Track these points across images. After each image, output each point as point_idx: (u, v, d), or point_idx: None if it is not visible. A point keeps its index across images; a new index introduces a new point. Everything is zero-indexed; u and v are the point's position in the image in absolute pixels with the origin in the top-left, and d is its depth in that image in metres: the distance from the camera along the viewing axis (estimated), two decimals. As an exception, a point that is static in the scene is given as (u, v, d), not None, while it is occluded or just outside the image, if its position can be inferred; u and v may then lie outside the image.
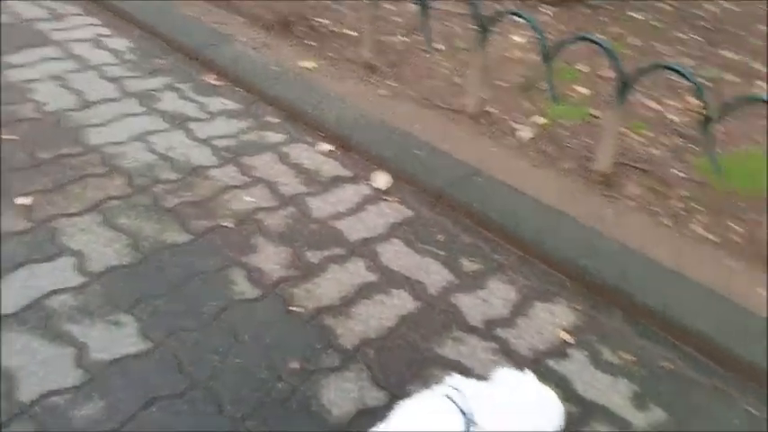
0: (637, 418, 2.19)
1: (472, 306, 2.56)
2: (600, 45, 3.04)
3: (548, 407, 1.77)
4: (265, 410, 2.06)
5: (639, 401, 2.25)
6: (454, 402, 1.67)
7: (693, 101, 3.90)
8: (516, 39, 4.74)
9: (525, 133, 3.59)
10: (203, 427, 1.99)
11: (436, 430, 1.64)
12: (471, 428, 1.64)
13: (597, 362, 2.38)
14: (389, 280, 2.63)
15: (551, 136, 3.58)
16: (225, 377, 2.14)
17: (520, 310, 2.57)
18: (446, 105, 3.81)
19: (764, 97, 2.68)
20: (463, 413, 1.66)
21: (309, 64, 4.15)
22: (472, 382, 1.79)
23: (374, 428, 1.70)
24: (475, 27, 3.48)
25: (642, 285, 2.64)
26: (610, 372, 2.35)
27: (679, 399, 2.28)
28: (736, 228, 3.02)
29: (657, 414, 2.21)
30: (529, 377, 1.80)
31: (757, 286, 2.70)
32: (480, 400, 1.70)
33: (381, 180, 3.21)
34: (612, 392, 2.27)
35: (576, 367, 2.35)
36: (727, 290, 2.66)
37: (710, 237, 2.96)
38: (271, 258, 2.65)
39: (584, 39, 3.17)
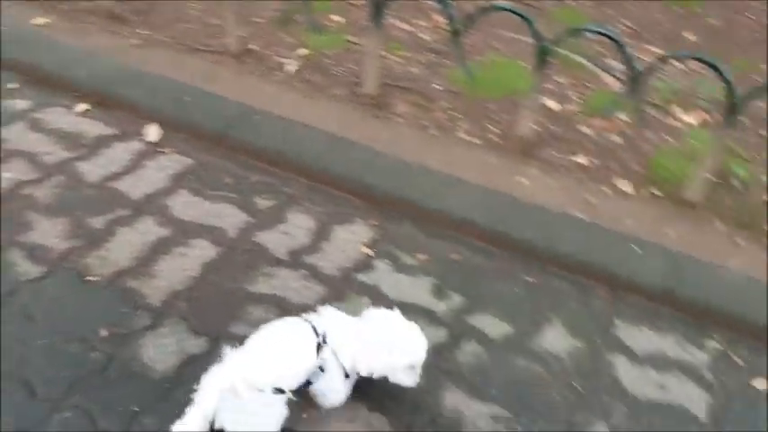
0: (439, 306, 2.43)
1: (274, 241, 2.59)
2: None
3: (412, 340, 1.94)
4: (84, 384, 1.95)
5: (439, 292, 2.49)
6: (311, 324, 1.87)
7: (440, 18, 4.20)
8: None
9: (291, 66, 3.62)
10: (21, 416, 1.83)
11: (289, 344, 1.83)
12: (324, 346, 1.85)
13: (398, 267, 2.58)
14: (184, 231, 2.56)
15: (317, 66, 3.66)
16: (34, 361, 1.98)
17: (321, 235, 2.66)
18: (207, 48, 3.69)
19: (503, 5, 2.98)
20: (317, 333, 1.85)
21: (42, 20, 3.73)
22: (338, 314, 1.97)
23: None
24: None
25: (423, 192, 2.87)
26: (410, 273, 2.56)
27: (470, 283, 2.56)
28: (493, 128, 3.38)
29: (456, 299, 2.47)
30: (395, 314, 1.97)
31: (515, 175, 3.08)
32: (339, 328, 1.91)
33: (153, 133, 3.05)
34: (415, 289, 2.48)
35: (381, 275, 2.52)
36: (492, 183, 3.00)
37: (474, 140, 3.29)
38: (49, 232, 2.44)
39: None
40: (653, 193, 3.11)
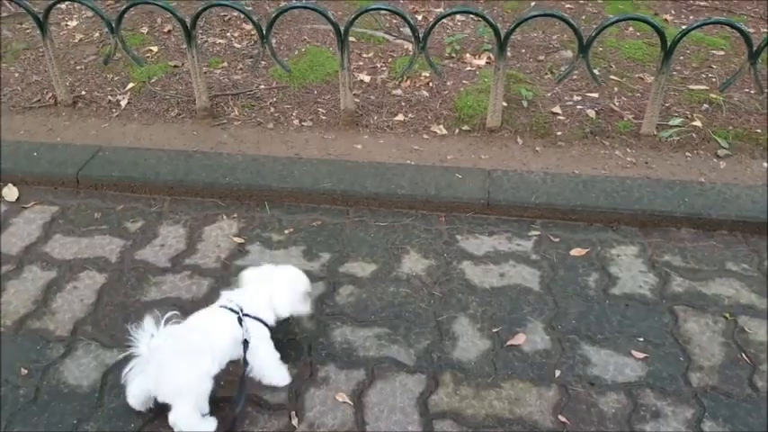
0: (313, 266, 2.84)
1: (153, 254, 2.89)
2: (155, 4, 3.43)
3: (292, 277, 2.35)
4: (21, 415, 2.19)
5: (310, 254, 2.90)
6: (228, 307, 2.22)
7: (248, 26, 4.56)
8: (72, 23, 4.80)
9: (124, 101, 3.86)
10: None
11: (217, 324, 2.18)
12: (245, 318, 2.21)
13: (269, 245, 2.96)
14: (70, 268, 2.79)
15: (148, 95, 3.92)
16: None
17: (193, 239, 2.98)
18: (37, 104, 3.84)
19: (295, 4, 3.41)
20: (234, 311, 2.21)
21: None
22: (235, 291, 2.31)
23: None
24: (31, 23, 3.53)
25: (274, 177, 3.26)
26: (281, 247, 2.95)
27: (334, 240, 2.99)
28: (321, 110, 3.82)
29: (325, 257, 2.90)
30: (266, 266, 2.37)
31: (350, 144, 3.54)
32: (243, 297, 2.26)
33: (10, 193, 3.21)
34: (289, 258, 2.88)
35: (256, 256, 2.89)
36: (331, 155, 3.44)
37: (307, 123, 3.71)
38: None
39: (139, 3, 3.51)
40: (463, 129, 3.69)
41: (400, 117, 3.77)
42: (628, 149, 3.50)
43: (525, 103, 3.81)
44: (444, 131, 3.67)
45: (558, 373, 2.38)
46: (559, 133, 3.64)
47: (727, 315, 2.62)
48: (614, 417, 2.23)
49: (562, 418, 2.22)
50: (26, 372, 2.34)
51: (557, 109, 3.80)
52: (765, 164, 3.40)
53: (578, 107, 3.82)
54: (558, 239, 3.02)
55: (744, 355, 2.45)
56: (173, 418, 2.05)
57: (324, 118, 3.76)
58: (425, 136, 3.64)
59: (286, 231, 3.04)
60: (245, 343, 2.18)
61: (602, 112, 3.78)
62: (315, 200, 3.23)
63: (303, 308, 2.38)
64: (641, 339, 2.51)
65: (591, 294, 2.72)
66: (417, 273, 2.83)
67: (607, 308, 2.65)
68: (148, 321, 2.02)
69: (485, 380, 2.34)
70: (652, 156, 3.47)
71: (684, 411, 2.24)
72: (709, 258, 2.90)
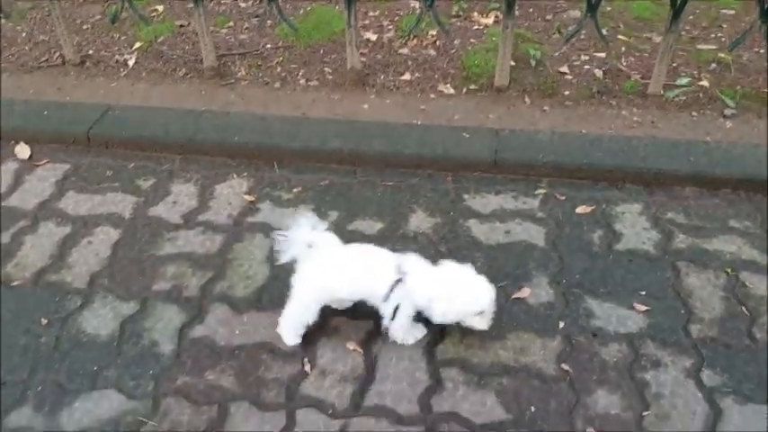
0: (325, 224, 2.88)
1: (166, 211, 2.95)
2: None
3: (480, 290, 2.24)
4: (44, 362, 2.30)
5: (319, 213, 2.94)
6: (396, 262, 2.23)
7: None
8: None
9: (132, 61, 3.87)
10: (-8, 408, 2.13)
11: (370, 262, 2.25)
12: (401, 285, 2.19)
13: (279, 203, 3.01)
14: (85, 224, 2.86)
15: (155, 54, 3.93)
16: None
17: (205, 196, 3.04)
18: (46, 64, 3.86)
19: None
20: (398, 271, 2.20)
21: None
22: (421, 261, 2.28)
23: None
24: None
25: (283, 137, 3.29)
26: (290, 205, 3.00)
27: (342, 199, 3.04)
28: (327, 69, 3.83)
29: (334, 215, 2.95)
30: (466, 268, 2.26)
31: (357, 104, 3.55)
32: (419, 273, 2.21)
33: (23, 150, 3.26)
34: (299, 217, 2.92)
35: (266, 213, 2.94)
36: (339, 114, 3.46)
37: (313, 83, 3.73)
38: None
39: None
40: (470, 89, 3.69)
41: (407, 76, 3.78)
42: (634, 109, 3.52)
43: (533, 63, 3.81)
44: (452, 91, 3.69)
45: (561, 324, 2.44)
46: (567, 93, 3.65)
47: (729, 270, 2.67)
48: (616, 366, 2.30)
49: (565, 367, 2.29)
50: (46, 322, 2.41)
51: (564, 68, 3.80)
52: (770, 123, 3.41)
53: (586, 67, 3.81)
54: (564, 198, 3.06)
55: (744, 308, 2.51)
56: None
57: (330, 77, 3.78)
58: (432, 95, 3.65)
59: (295, 190, 3.09)
60: (397, 308, 2.22)
61: (609, 72, 3.78)
62: (322, 159, 3.26)
63: (479, 324, 2.28)
64: (643, 293, 2.57)
65: (595, 250, 2.77)
66: (424, 230, 2.88)
67: (611, 263, 2.70)
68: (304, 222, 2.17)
69: (490, 331, 2.41)
70: (658, 115, 3.48)
71: (684, 361, 2.31)
72: (713, 216, 2.94)
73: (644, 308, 2.51)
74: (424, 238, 2.83)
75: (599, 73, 3.76)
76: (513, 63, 3.71)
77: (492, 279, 2.59)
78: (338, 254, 2.26)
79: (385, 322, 2.27)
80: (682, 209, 2.98)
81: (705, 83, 3.66)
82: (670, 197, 3.05)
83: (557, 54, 3.92)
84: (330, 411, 2.15)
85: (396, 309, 2.21)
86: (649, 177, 3.12)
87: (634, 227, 2.89)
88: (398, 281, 2.20)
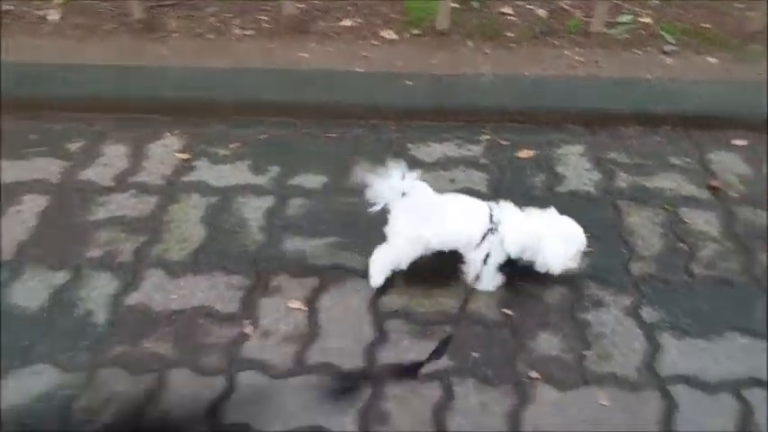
0: (262, 179, 2.82)
1: (98, 174, 2.82)
2: None
3: (577, 231, 2.27)
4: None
5: (258, 168, 2.87)
6: (489, 210, 2.24)
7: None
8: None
9: (54, 16, 3.65)
10: None
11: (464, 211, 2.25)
12: (493, 229, 2.20)
13: (215, 160, 2.91)
14: (11, 192, 2.72)
15: (80, 9, 3.71)
16: None
17: (138, 157, 2.92)
18: (-40, 22, 3.62)
19: None
20: (491, 220, 2.21)
21: None
22: (515, 209, 2.28)
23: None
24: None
25: (217, 91, 3.17)
26: (227, 161, 2.90)
27: (282, 153, 2.95)
28: (264, 17, 3.68)
29: (274, 170, 2.87)
30: (553, 211, 2.29)
31: (296, 52, 3.43)
32: (512, 221, 2.23)
33: (-59, 118, 3.07)
34: (237, 173, 2.84)
35: (202, 171, 2.85)
36: (277, 64, 3.34)
37: (249, 32, 3.58)
38: None
39: None
40: (413, 33, 3.60)
41: (347, 22, 3.66)
42: (577, 48, 3.48)
43: (476, 5, 3.72)
44: (394, 36, 3.58)
45: (504, 270, 2.43)
46: (510, 34, 3.58)
47: (668, 207, 2.69)
48: (558, 307, 2.32)
49: (508, 312, 2.29)
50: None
51: (507, 9, 3.73)
52: (710, 59, 3.41)
53: (529, 7, 3.75)
54: (507, 142, 3.03)
55: (682, 244, 2.54)
56: None
57: (267, 26, 3.63)
58: (374, 42, 3.55)
59: (232, 146, 2.99)
60: (488, 255, 2.22)
61: (553, 12, 3.71)
62: (260, 112, 3.16)
63: (574, 264, 2.31)
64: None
65: (537, 194, 2.76)
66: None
67: (552, 204, 2.69)
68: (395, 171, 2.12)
69: (432, 281, 2.39)
70: (601, 54, 3.45)
71: (624, 299, 2.34)
72: (653, 154, 2.95)
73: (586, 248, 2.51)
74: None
75: (543, 13, 3.70)
76: (455, 5, 3.62)
77: (436, 228, 2.59)
78: (432, 202, 2.23)
79: (471, 270, 2.28)
80: (623, 148, 2.99)
81: (647, 19, 3.63)
82: (612, 137, 3.05)
83: (499, -6, 3.83)
84: (272, 372, 2.12)
85: (487, 257, 2.22)
86: (591, 118, 3.10)
87: (576, 168, 2.88)
88: (491, 229, 2.21)
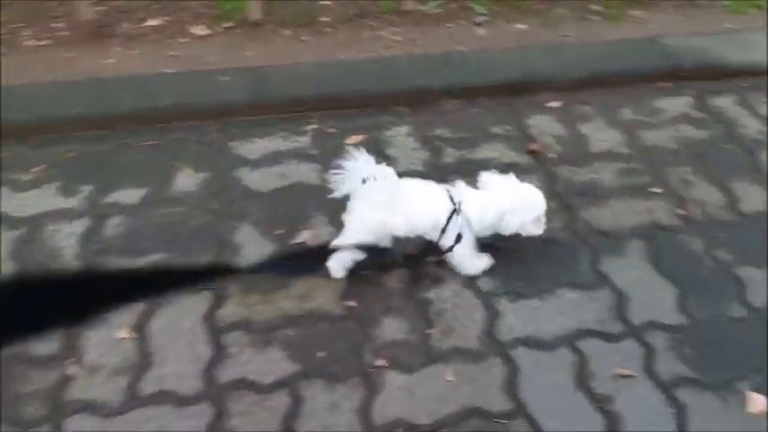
0: (73, 202, 2.57)
1: None
2: None
3: (535, 195, 2.27)
4: None
5: (67, 191, 2.61)
6: (448, 192, 2.21)
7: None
8: None
9: None
10: None
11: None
12: (456, 212, 2.17)
13: (17, 187, 2.62)
14: None
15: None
16: None
17: None
18: None
19: None
20: (453, 201, 2.19)
21: None
22: (468, 187, 2.27)
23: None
24: None
25: (13, 110, 2.84)
26: (31, 187, 2.62)
27: (93, 170, 2.71)
28: (58, 25, 3.35)
29: (86, 190, 2.62)
30: (511, 177, 2.29)
31: (98, 59, 3.17)
32: (471, 198, 2.22)
33: None
34: (44, 199, 2.57)
35: (4, 203, 2.54)
36: (79, 74, 3.06)
37: (44, 42, 3.25)
38: None
39: None
40: (225, 27, 3.44)
41: (153, 22, 3.43)
42: (392, 28, 3.49)
43: (286, -8, 3.62)
44: (206, 31, 3.41)
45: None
46: (325, 19, 3.52)
47: (493, 175, 2.76)
48: (399, 290, 2.31)
49: (351, 303, 2.25)
50: None
51: (320, -6, 3.66)
52: (519, 25, 3.54)
53: (341, -10, 3.70)
54: (334, 130, 2.98)
55: (509, 210, 2.61)
56: None
57: (63, 34, 3.32)
58: (184, 39, 3.36)
59: (35, 169, 2.70)
60: (459, 237, 2.19)
61: (365, -7, 3.70)
62: (65, 129, 2.88)
63: (536, 230, 2.29)
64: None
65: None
66: (191, 189, 2.66)
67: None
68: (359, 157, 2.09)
69: (271, 283, 2.30)
70: (416, 31, 3.48)
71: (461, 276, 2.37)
72: (475, 126, 3.02)
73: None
74: (193, 198, 2.62)
75: (352, -6, 3.67)
76: (264, -6, 3.50)
77: (271, 227, 2.50)
78: (393, 189, 2.15)
79: (447, 255, 2.26)
80: (446, 123, 3.03)
81: (458, -7, 3.70)
82: (435, 113, 3.09)
83: (310, -20, 3.75)
84: (104, 412, 1.94)
85: (458, 238, 2.19)
86: (413, 97, 3.12)
87: (404, 149, 2.89)
88: (455, 210, 2.17)
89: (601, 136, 2.98)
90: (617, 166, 2.84)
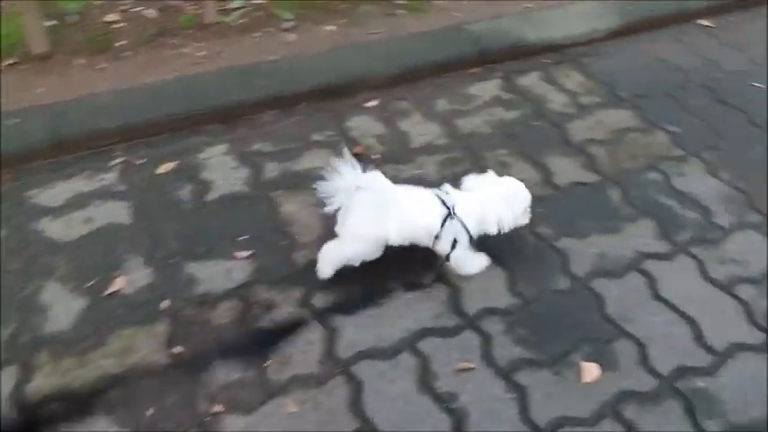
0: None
1: None
2: None
3: (520, 189, 2.30)
4: None
5: None
6: (439, 198, 2.19)
7: None
8: None
9: None
10: None
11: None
12: (450, 216, 2.17)
13: None
14: None
15: None
16: None
17: None
18: None
19: None
20: (446, 206, 2.18)
21: None
22: (456, 190, 2.26)
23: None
24: None
25: None
26: None
27: None
28: None
29: None
30: (491, 174, 2.33)
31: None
32: (462, 201, 2.20)
33: None
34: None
35: None
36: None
37: None
38: None
39: None
40: (9, 64, 3.11)
41: None
42: (196, 44, 3.31)
43: (74, 17, 3.33)
44: (-17, 73, 3.06)
45: (165, 304, 2.22)
46: (122, 43, 3.29)
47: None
48: (229, 324, 2.17)
49: (178, 349, 2.09)
50: None
51: (113, 16, 3.42)
52: (328, 27, 3.49)
53: (135, 10, 3.46)
54: (144, 160, 2.78)
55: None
56: None
57: None
58: (-41, 84, 2.99)
59: None
60: (455, 242, 2.19)
61: (162, 11, 3.48)
62: None
63: (523, 220, 2.32)
64: (244, 237, 2.46)
65: (186, 208, 2.57)
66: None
67: (205, 217, 2.54)
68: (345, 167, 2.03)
69: (86, 342, 2.09)
70: (221, 45, 3.33)
71: (294, 293, 2.27)
72: (295, 135, 2.93)
73: (247, 253, 2.40)
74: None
75: (152, 14, 3.46)
76: (54, 22, 3.20)
77: (80, 280, 2.28)
78: (386, 197, 2.11)
79: (446, 258, 2.24)
80: (266, 137, 2.92)
81: (261, 0, 3.59)
82: (252, 128, 2.97)
83: (100, 2, 3.48)
84: None
85: (454, 243, 2.19)
86: (226, 113, 2.99)
87: (222, 170, 2.75)
88: (449, 215, 2.16)
89: (420, 130, 3.00)
90: (439, 157, 2.86)
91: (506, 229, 2.28)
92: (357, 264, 2.22)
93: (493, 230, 2.25)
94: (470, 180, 2.34)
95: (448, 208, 2.19)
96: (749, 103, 3.26)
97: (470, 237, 2.23)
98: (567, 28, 3.60)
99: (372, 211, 2.10)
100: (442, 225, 2.18)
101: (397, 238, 2.17)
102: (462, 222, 2.20)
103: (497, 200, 2.24)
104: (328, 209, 2.13)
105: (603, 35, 3.62)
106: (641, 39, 3.70)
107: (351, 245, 2.17)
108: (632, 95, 3.25)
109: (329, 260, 2.23)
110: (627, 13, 3.76)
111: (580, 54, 3.53)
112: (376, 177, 2.10)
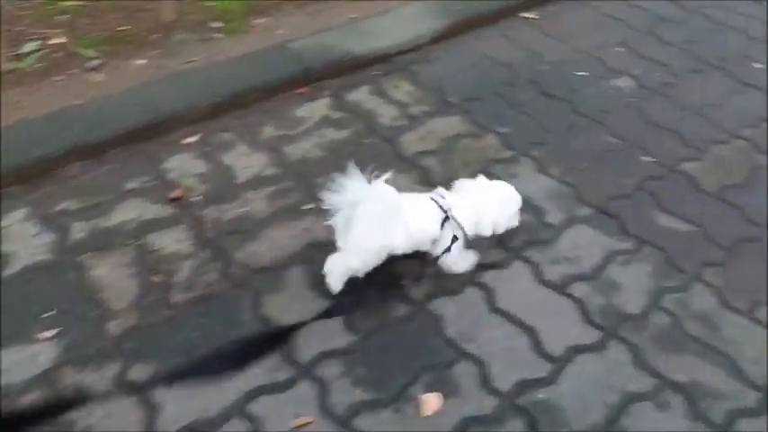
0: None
1: None
2: None
3: (511, 191, 2.38)
4: None
5: None
6: (436, 202, 2.23)
7: None
8: None
9: None
10: None
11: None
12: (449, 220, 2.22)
13: None
14: None
15: None
16: None
17: None
18: None
19: None
20: (442, 209, 2.22)
21: None
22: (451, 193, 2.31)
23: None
24: None
25: None
26: None
27: None
28: None
29: None
30: (482, 178, 2.39)
31: None
32: (458, 203, 2.25)
33: None
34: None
35: None
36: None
37: None
38: None
39: None
40: None
41: None
42: (-13, 96, 2.97)
43: None
44: None
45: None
46: None
47: (133, 241, 2.46)
48: (34, 420, 1.92)
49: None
50: None
51: None
52: (138, 61, 3.24)
53: None
54: None
55: (156, 276, 2.34)
56: None
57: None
58: None
59: None
60: (451, 244, 2.23)
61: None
62: None
63: (515, 223, 2.41)
64: (50, 313, 2.21)
65: (-18, 292, 2.27)
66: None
67: (4, 296, 2.25)
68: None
69: None
70: (19, 93, 3.01)
71: (108, 370, 2.05)
72: (106, 187, 2.68)
73: (53, 332, 2.15)
74: None
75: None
76: None
77: None
78: (390, 208, 2.10)
79: (441, 259, 2.27)
80: (71, 192, 2.65)
81: (60, 39, 3.28)
82: (57, 183, 2.69)
83: None
84: None
85: (452, 242, 2.22)
86: (27, 171, 2.69)
87: (22, 239, 2.46)
88: (446, 218, 2.20)
89: (245, 162, 2.82)
90: (267, 190, 2.70)
91: (500, 231, 2.36)
92: (362, 275, 2.20)
93: (488, 233, 2.31)
94: (463, 184, 2.38)
95: (445, 211, 2.23)
96: (573, 93, 3.32)
97: (466, 238, 2.27)
98: (393, 35, 3.53)
99: (378, 222, 2.10)
100: (442, 228, 2.23)
101: (403, 246, 2.20)
102: (460, 225, 2.24)
103: (492, 203, 2.32)
104: (333, 222, 2.13)
105: (429, 39, 3.58)
106: (468, 38, 3.69)
107: (357, 257, 2.16)
108: (461, 100, 3.22)
109: (337, 273, 2.21)
110: (452, 13, 3.74)
111: (409, 61, 3.47)
112: (381, 189, 2.08)
